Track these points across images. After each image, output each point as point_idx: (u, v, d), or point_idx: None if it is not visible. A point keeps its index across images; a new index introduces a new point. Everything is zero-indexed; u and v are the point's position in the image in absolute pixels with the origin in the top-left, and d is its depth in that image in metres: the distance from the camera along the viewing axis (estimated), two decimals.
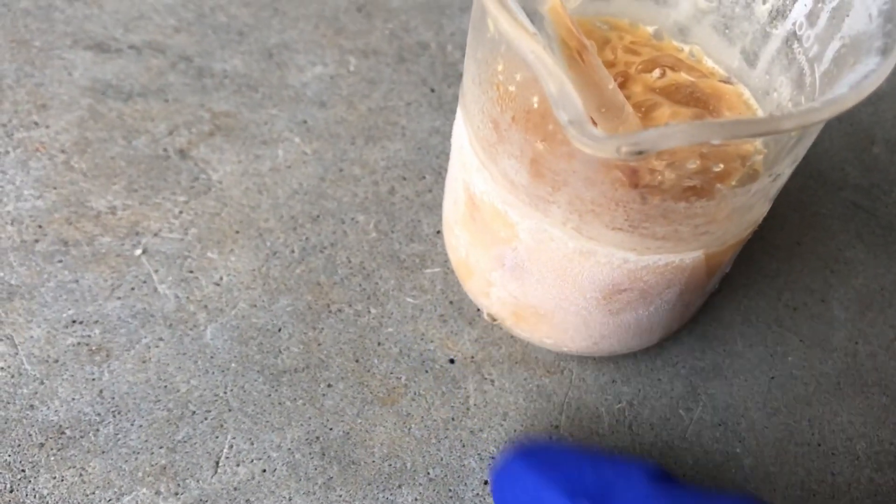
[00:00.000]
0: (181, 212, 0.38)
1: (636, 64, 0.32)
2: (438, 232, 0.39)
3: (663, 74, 0.32)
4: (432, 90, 0.43)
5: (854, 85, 0.24)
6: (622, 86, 0.31)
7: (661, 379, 0.36)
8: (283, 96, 0.42)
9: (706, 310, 0.38)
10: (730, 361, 0.37)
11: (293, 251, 0.38)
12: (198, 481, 0.32)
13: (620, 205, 0.26)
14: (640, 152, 0.20)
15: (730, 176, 0.27)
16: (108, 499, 0.31)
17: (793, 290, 0.39)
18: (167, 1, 0.46)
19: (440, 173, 0.41)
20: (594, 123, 0.25)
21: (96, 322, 0.35)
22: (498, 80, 0.27)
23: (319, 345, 0.35)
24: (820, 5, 0.29)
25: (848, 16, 0.27)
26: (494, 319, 0.34)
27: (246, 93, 0.42)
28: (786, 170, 0.28)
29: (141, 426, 0.32)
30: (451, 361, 0.35)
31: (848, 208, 0.42)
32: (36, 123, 0.40)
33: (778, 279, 0.40)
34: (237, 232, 0.38)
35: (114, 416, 0.33)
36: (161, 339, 0.35)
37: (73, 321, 0.35)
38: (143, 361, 0.34)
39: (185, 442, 0.32)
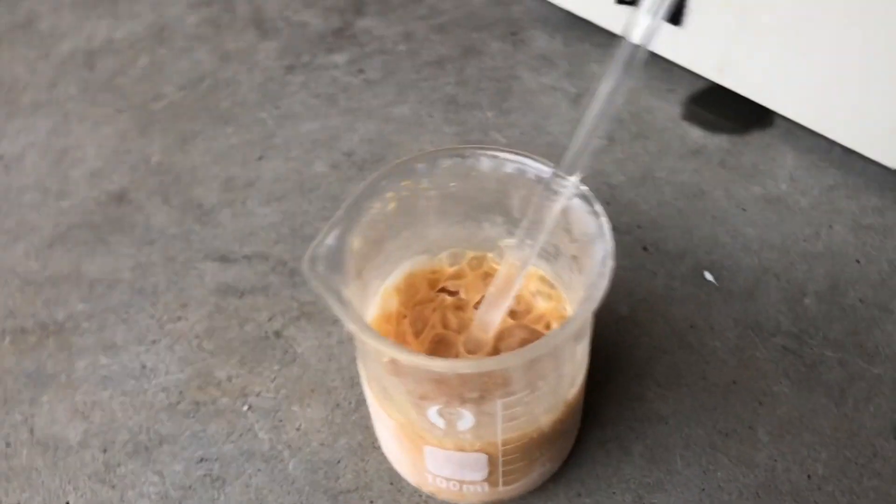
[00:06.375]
0: (275, 378, 0.55)
1: None
2: None
3: None
4: None
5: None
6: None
7: (615, 492, 0.48)
8: None
9: (656, 438, 0.50)
10: (670, 477, 0.49)
11: (351, 403, 0.53)
12: None
13: None
14: None
15: None
16: None
17: (726, 419, 0.51)
18: (271, 220, 0.63)
19: None
20: None
21: (216, 459, 0.51)
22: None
23: (366, 472, 0.50)
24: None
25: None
26: None
27: None
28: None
29: None
30: None
31: (779, 352, 0.54)
32: (179, 318, 0.58)
33: (715, 412, 0.51)
34: (312, 391, 0.54)
35: None
36: (259, 470, 0.50)
37: (202, 459, 0.51)
38: (247, 486, 0.50)
39: None
